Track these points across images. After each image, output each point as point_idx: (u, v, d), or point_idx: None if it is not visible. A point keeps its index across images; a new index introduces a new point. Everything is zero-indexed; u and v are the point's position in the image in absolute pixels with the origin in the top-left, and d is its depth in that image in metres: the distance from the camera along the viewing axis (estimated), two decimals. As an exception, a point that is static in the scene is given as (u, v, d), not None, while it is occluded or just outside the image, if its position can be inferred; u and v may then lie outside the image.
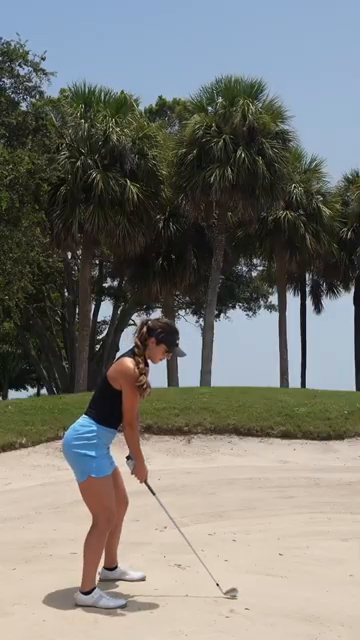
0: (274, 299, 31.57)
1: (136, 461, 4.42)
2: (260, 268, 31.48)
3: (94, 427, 4.36)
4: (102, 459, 4.32)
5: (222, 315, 33.31)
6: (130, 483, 4.65)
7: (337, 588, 4.60)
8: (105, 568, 4.65)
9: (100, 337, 32.12)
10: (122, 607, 4.13)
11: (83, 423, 4.42)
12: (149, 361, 4.38)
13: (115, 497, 4.39)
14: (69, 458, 4.39)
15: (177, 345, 4.43)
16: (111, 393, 4.33)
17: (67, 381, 27.72)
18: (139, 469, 4.41)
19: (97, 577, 4.37)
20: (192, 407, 13.49)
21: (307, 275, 29.25)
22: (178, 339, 4.46)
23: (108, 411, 4.36)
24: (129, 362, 4.27)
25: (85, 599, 4.18)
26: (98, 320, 31.02)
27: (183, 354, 4.49)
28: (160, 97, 31.17)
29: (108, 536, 4.44)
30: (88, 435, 4.33)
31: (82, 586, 4.23)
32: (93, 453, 4.28)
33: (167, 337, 4.36)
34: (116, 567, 4.69)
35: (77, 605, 4.17)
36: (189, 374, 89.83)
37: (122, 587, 4.64)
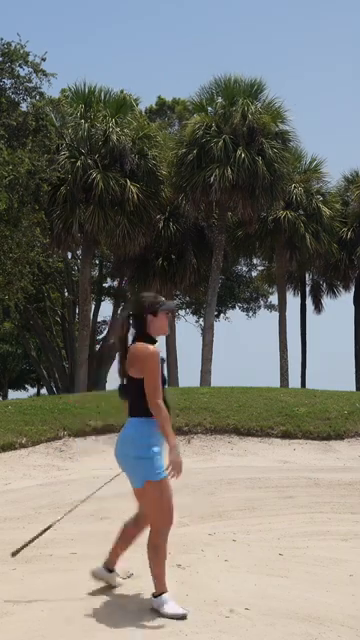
0: (274, 299, 31.60)
1: (170, 451, 4.11)
2: (260, 268, 31.48)
3: (143, 422, 4.19)
4: (161, 457, 4.17)
5: (222, 315, 33.32)
6: (128, 483, 4.63)
7: (337, 588, 4.61)
8: (104, 567, 4.59)
9: (100, 337, 32.10)
10: (180, 618, 3.96)
11: (133, 423, 4.26)
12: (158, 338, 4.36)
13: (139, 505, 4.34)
14: (127, 465, 4.28)
15: (164, 302, 4.36)
16: (139, 385, 4.19)
17: (67, 381, 27.71)
18: (173, 461, 4.10)
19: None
20: (192, 407, 13.49)
21: (307, 275, 29.25)
22: (167, 303, 4.41)
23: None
24: (139, 344, 4.21)
25: (153, 601, 4.14)
26: (98, 320, 31.01)
27: (173, 304, 4.58)
28: (160, 97, 31.18)
29: (121, 537, 4.46)
30: (141, 432, 4.19)
31: (155, 589, 4.19)
32: (156, 449, 4.15)
33: (154, 303, 4.31)
34: (112, 570, 4.60)
35: (152, 609, 4.11)
36: (189, 374, 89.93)
37: (122, 587, 4.64)
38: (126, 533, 4.51)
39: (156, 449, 4.13)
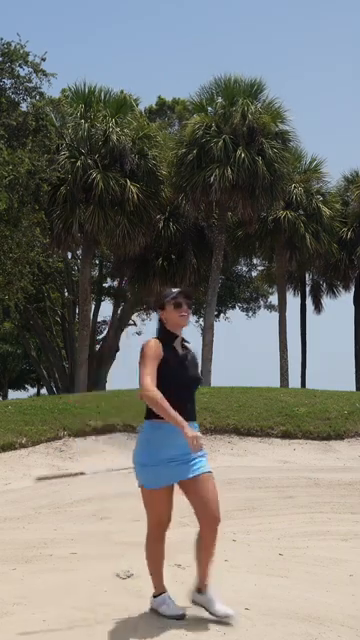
0: (274, 299, 31.59)
1: (184, 433, 3.73)
2: (260, 268, 31.48)
3: (145, 426, 3.97)
4: (153, 467, 3.89)
5: (222, 315, 33.31)
6: (129, 483, 4.63)
7: (337, 588, 4.61)
8: (195, 590, 4.06)
9: (100, 337, 32.10)
10: (179, 618, 3.93)
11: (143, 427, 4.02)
12: (177, 331, 4.07)
13: (195, 509, 3.94)
14: None
15: (169, 293, 4.09)
16: None
17: (67, 381, 27.71)
18: (187, 435, 3.71)
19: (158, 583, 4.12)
20: (192, 407, 13.48)
21: (307, 275, 29.24)
22: (169, 292, 4.12)
23: None
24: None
25: (153, 601, 4.10)
26: (98, 320, 31.01)
27: (174, 291, 4.09)
28: (160, 97, 31.18)
29: (197, 553, 4.01)
30: (140, 439, 3.99)
31: (154, 589, 4.12)
32: (143, 459, 3.93)
33: (161, 297, 4.12)
34: (203, 591, 4.01)
35: (151, 609, 4.08)
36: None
37: (122, 587, 4.64)
38: (198, 543, 4.03)
39: (143, 460, 3.91)
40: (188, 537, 4.60)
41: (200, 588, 4.00)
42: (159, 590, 4.10)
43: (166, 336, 4.03)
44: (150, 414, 3.89)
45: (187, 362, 4.01)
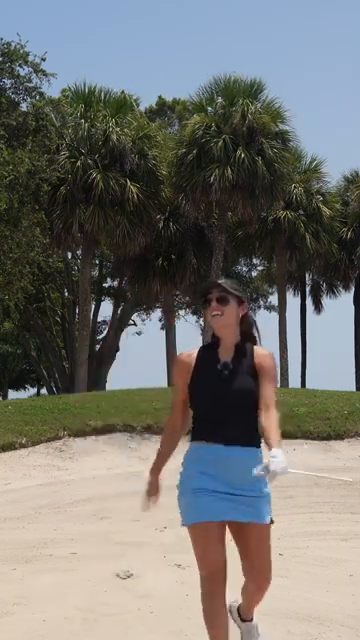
0: (274, 299, 31.58)
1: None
2: (260, 268, 31.46)
3: (188, 448, 3.19)
4: (190, 497, 3.08)
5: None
6: (129, 483, 4.62)
7: (337, 588, 4.61)
8: (238, 613, 3.45)
9: (100, 337, 32.10)
10: None
11: None
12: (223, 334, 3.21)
13: (243, 563, 3.17)
14: None
15: (202, 289, 3.29)
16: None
17: (67, 381, 27.70)
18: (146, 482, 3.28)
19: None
20: (192, 407, 13.49)
21: (307, 275, 29.23)
22: (205, 288, 3.28)
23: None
24: None
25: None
26: (98, 320, 31.00)
27: (206, 285, 3.30)
28: (160, 97, 31.19)
29: (243, 595, 3.32)
30: (182, 463, 3.23)
31: None
32: (180, 488, 3.15)
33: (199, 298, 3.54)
34: (246, 620, 3.42)
35: None
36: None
37: (122, 587, 4.64)
38: (244, 592, 3.33)
39: (191, 483, 3.11)
40: (189, 537, 4.61)
41: (244, 618, 3.40)
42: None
43: (212, 340, 3.26)
44: (193, 433, 3.18)
45: (230, 371, 3.11)
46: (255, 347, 3.20)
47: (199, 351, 3.23)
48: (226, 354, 3.16)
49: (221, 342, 3.20)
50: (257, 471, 2.78)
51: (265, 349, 3.23)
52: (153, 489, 3.25)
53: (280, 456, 2.79)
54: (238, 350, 3.17)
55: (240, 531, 3.09)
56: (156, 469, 3.26)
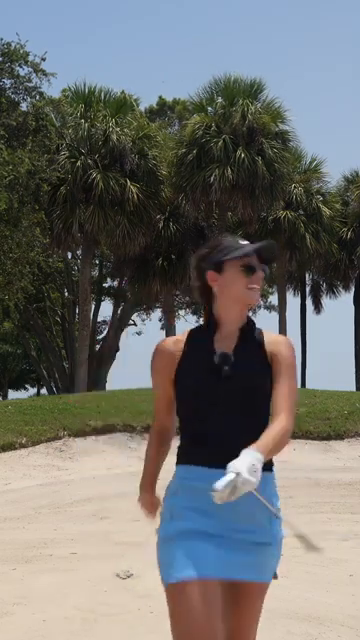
0: (274, 299, 31.60)
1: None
2: (260, 268, 31.44)
3: (173, 476, 2.32)
4: (171, 544, 2.16)
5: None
6: (129, 483, 4.61)
7: (337, 588, 4.61)
8: None
9: (100, 337, 32.11)
10: None
11: None
12: (231, 315, 2.29)
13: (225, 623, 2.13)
14: None
15: (239, 248, 2.30)
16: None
17: (67, 381, 27.71)
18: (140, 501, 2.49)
19: None
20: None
21: (307, 275, 29.25)
22: (232, 244, 2.33)
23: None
24: None
25: None
26: (98, 320, 31.02)
27: (240, 242, 2.33)
28: (160, 97, 31.20)
29: None
30: (164, 497, 2.33)
31: None
32: (161, 533, 2.25)
33: (218, 252, 2.32)
34: None
35: None
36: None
37: (122, 587, 4.64)
38: None
39: (162, 532, 2.25)
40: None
41: None
42: None
43: (206, 324, 2.32)
44: (179, 454, 2.31)
45: (232, 365, 2.20)
46: (265, 332, 2.32)
47: (188, 336, 2.31)
48: (227, 342, 2.26)
49: (221, 325, 2.28)
50: (220, 486, 1.89)
51: (279, 335, 2.39)
52: (153, 507, 2.46)
53: (246, 465, 1.93)
54: (243, 336, 2.28)
55: (227, 587, 2.15)
56: (148, 485, 2.46)
